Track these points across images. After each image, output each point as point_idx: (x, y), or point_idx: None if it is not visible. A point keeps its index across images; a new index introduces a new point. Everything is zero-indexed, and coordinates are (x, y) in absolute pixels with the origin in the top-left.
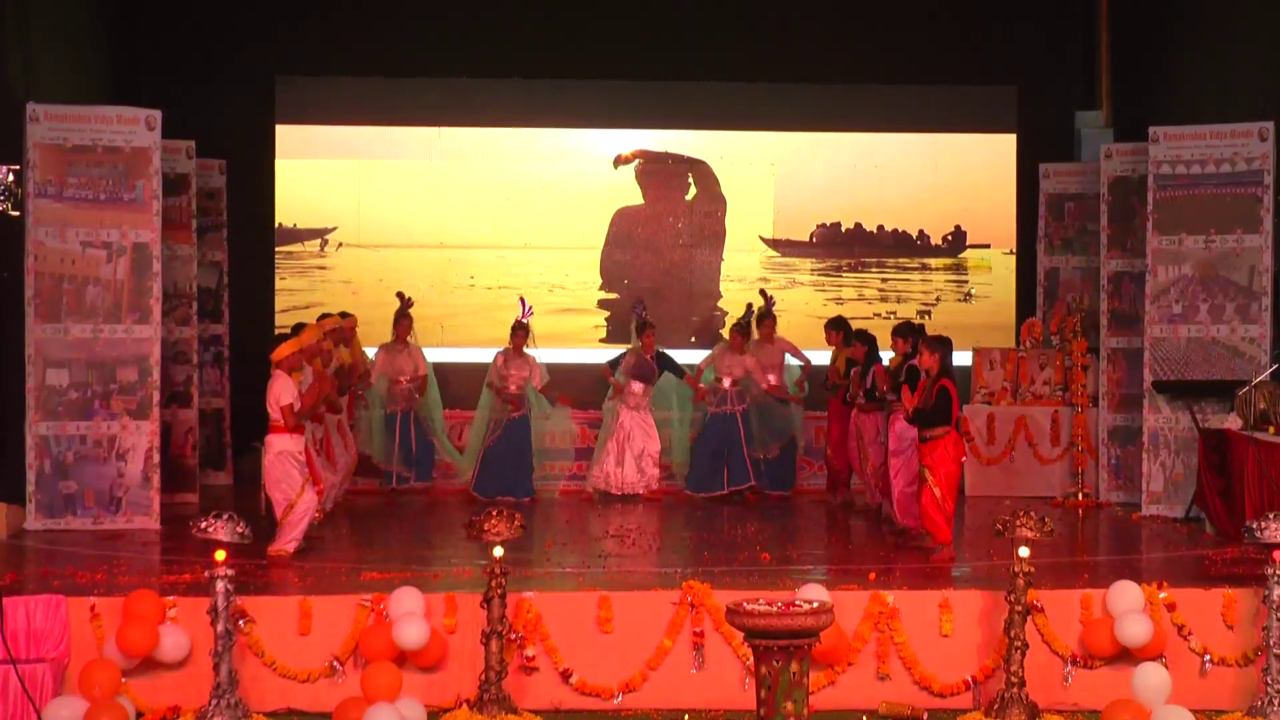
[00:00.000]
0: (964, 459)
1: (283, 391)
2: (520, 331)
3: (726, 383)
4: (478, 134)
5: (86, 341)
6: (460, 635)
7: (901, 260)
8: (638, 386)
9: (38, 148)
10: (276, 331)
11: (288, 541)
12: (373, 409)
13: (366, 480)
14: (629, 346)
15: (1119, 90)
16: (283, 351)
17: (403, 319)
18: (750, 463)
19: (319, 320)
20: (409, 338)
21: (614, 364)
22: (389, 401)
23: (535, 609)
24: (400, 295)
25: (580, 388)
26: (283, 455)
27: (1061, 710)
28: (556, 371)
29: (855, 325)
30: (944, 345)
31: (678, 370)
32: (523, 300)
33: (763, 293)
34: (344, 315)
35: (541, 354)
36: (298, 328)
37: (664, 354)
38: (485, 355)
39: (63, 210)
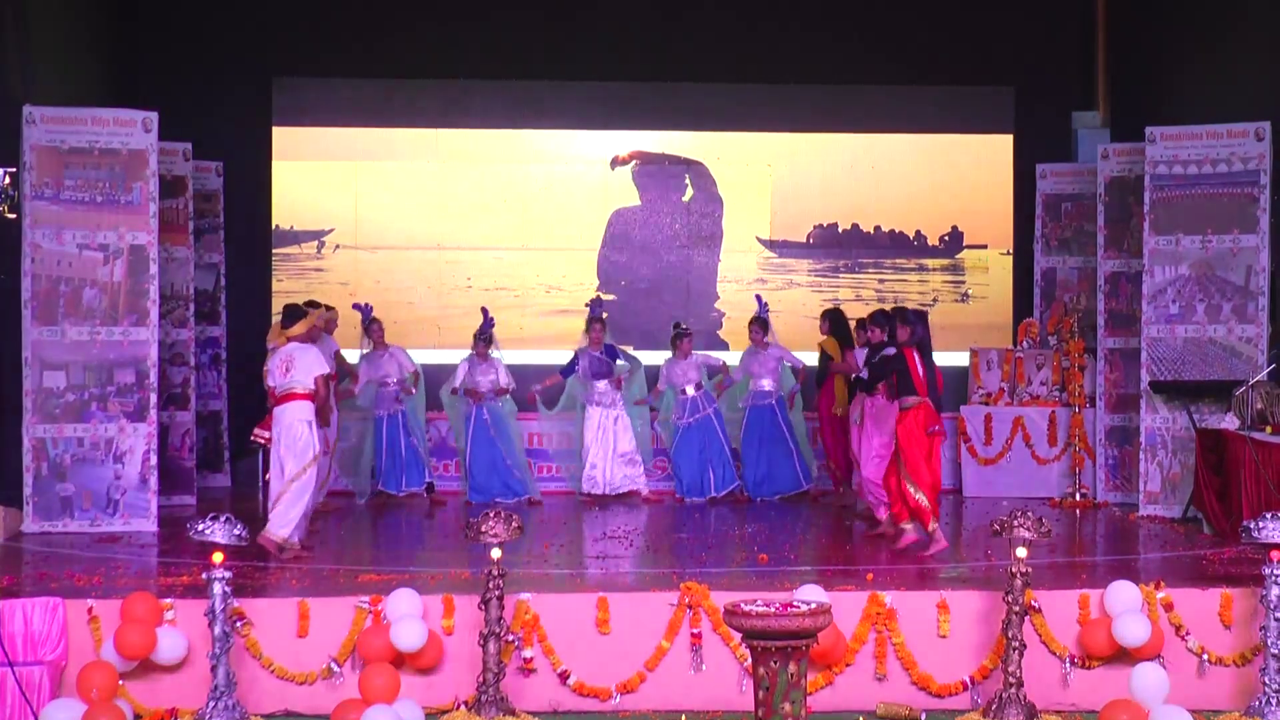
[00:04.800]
0: (937, 429)
1: (316, 362)
2: (482, 342)
3: (690, 390)
4: (475, 135)
5: (83, 344)
6: (458, 637)
7: (898, 261)
8: (601, 384)
9: (34, 150)
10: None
11: (280, 526)
12: (364, 413)
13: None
14: (577, 348)
15: (1116, 91)
16: (299, 328)
17: (372, 324)
18: (733, 463)
19: (304, 305)
20: (384, 341)
21: (566, 371)
22: (377, 404)
23: (533, 610)
24: (356, 305)
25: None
26: (307, 423)
27: (1059, 710)
28: (553, 373)
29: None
30: (894, 318)
31: (627, 359)
32: (485, 311)
33: (677, 324)
34: (327, 308)
35: (537, 355)
36: (291, 309)
37: (611, 346)
38: None
39: (59, 212)
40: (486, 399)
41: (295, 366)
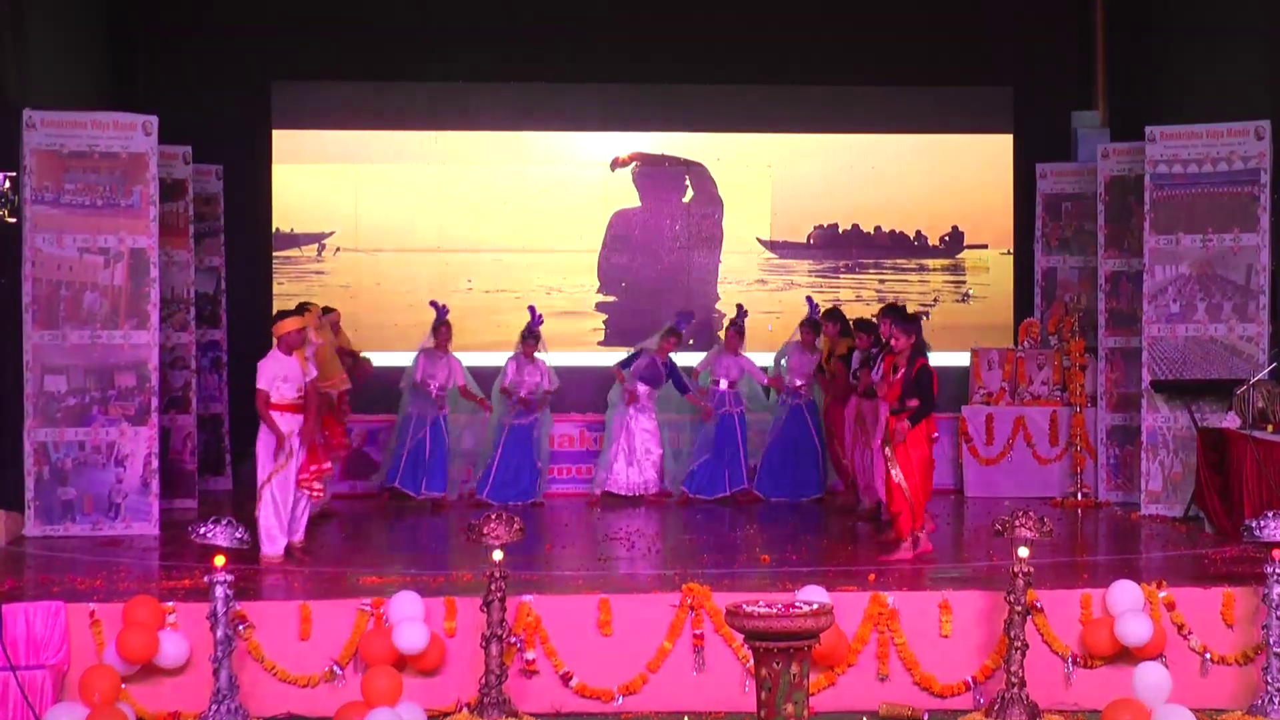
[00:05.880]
0: (935, 436)
1: (259, 371)
2: (530, 340)
3: (724, 384)
4: (474, 137)
5: (84, 347)
6: (460, 639)
7: (899, 261)
8: (643, 389)
9: (34, 154)
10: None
11: (268, 546)
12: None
13: (368, 483)
14: (643, 346)
15: (1115, 90)
16: (284, 326)
17: (441, 326)
18: (746, 465)
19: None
20: (449, 346)
21: (625, 364)
22: (413, 402)
23: (535, 612)
24: (433, 303)
25: (579, 391)
26: (262, 436)
27: (1062, 710)
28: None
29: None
30: (917, 323)
31: (682, 385)
32: (533, 309)
33: (739, 306)
34: (325, 310)
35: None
36: (301, 307)
37: (675, 364)
38: (481, 359)
39: (60, 216)
40: (533, 401)
41: None
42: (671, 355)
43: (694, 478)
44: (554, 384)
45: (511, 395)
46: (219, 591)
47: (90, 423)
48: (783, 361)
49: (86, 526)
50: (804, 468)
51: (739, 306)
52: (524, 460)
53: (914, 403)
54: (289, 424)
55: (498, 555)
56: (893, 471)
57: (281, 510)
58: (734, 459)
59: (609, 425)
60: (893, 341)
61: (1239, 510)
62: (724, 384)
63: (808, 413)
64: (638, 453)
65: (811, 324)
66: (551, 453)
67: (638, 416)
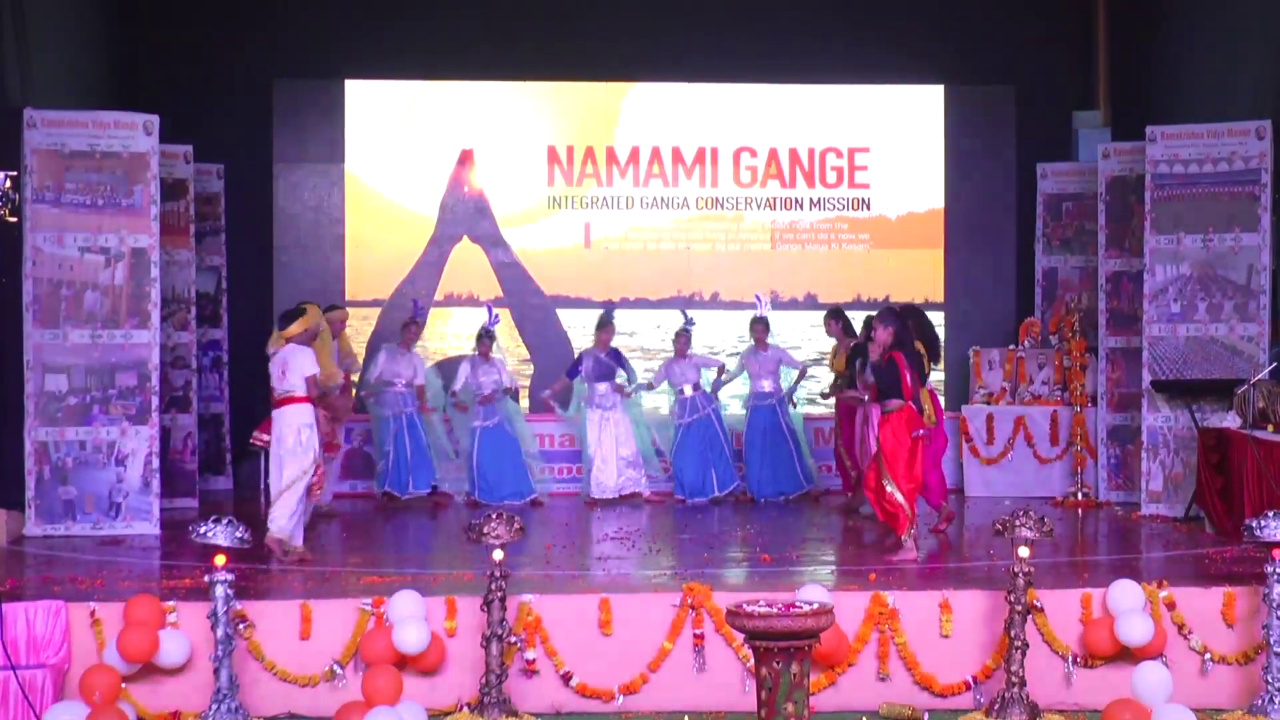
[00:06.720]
0: (921, 433)
1: (306, 362)
2: (485, 340)
3: (688, 390)
4: (475, 137)
5: (85, 347)
6: (460, 638)
7: (897, 256)
8: (601, 386)
9: (35, 153)
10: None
11: (281, 525)
12: (377, 410)
13: (366, 483)
14: (581, 351)
15: (1116, 90)
16: (294, 330)
17: (410, 325)
18: (734, 464)
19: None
20: (414, 345)
21: (572, 370)
22: (384, 405)
23: (535, 612)
24: (415, 302)
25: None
26: (304, 426)
27: (1062, 710)
28: (558, 376)
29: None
30: (899, 318)
31: (626, 368)
32: (490, 309)
33: (684, 312)
34: (334, 307)
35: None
36: (287, 312)
37: (618, 350)
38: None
39: (61, 216)
40: (496, 399)
41: (289, 369)
42: (612, 345)
43: (683, 484)
44: (512, 384)
45: (456, 397)
46: (219, 591)
47: (91, 422)
48: (743, 372)
49: (87, 526)
50: (780, 466)
51: (684, 313)
52: (505, 460)
53: (894, 403)
54: (316, 415)
55: (498, 555)
56: (885, 483)
57: (305, 503)
58: (720, 459)
59: (583, 433)
60: (873, 335)
61: (1239, 510)
62: (688, 390)
63: (779, 410)
64: (614, 453)
65: (762, 321)
66: (564, 452)
67: (606, 415)
